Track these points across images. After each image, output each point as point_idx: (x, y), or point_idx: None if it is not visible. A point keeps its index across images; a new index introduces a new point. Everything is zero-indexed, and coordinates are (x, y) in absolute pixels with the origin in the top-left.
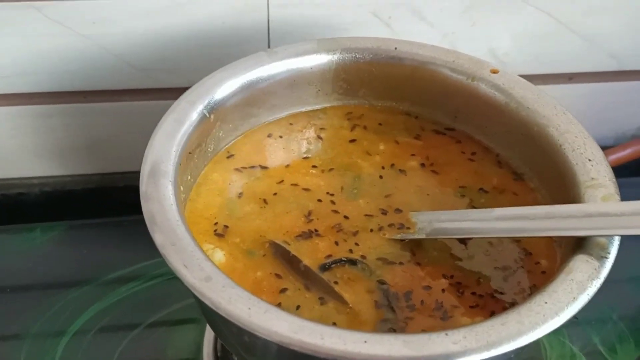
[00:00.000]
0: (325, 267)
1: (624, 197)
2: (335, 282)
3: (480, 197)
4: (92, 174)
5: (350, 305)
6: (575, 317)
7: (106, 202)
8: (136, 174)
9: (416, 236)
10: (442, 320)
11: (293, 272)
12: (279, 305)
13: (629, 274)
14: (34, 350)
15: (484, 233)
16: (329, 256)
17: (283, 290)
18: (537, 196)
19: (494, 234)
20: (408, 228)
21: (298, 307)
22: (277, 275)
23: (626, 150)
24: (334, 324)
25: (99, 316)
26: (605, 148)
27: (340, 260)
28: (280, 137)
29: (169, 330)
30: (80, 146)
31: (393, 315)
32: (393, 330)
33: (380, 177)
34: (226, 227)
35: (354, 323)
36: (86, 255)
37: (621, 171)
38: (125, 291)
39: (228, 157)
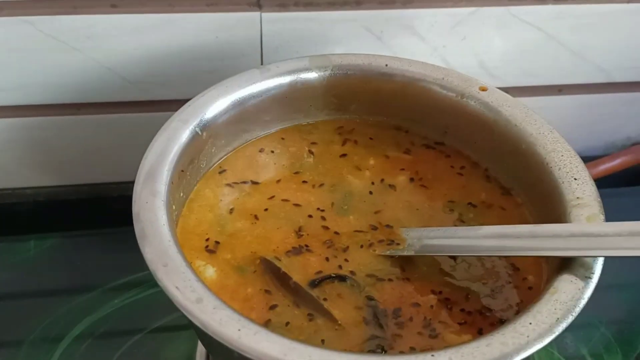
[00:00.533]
0: (314, 284)
1: (614, 207)
2: (325, 299)
3: (468, 211)
4: (85, 184)
5: (339, 322)
6: None
7: (100, 212)
8: (129, 184)
9: (405, 253)
10: (430, 338)
11: (283, 289)
12: (268, 322)
13: (616, 282)
14: (29, 357)
15: (471, 251)
16: (319, 272)
17: (273, 307)
18: (525, 212)
19: (480, 252)
20: (398, 244)
21: (287, 323)
22: (267, 292)
23: (615, 160)
24: (323, 341)
25: (93, 326)
26: (595, 158)
27: (330, 277)
28: (272, 152)
29: (162, 341)
30: (73, 157)
31: (381, 332)
32: (381, 347)
33: (370, 192)
34: (217, 243)
35: (343, 340)
36: (80, 265)
37: (610, 181)
38: (119, 302)
39: (220, 173)
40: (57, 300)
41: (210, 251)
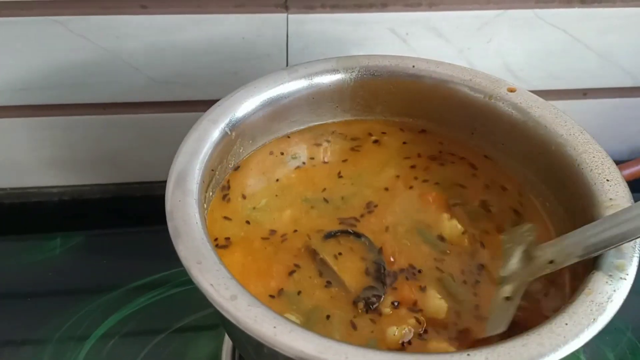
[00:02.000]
0: (331, 235)
1: None
2: (340, 253)
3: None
4: (110, 184)
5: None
6: None
7: (124, 211)
8: (153, 184)
9: (570, 262)
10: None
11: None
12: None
13: None
14: (56, 355)
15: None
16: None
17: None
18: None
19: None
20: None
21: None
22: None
23: None
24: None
25: (119, 325)
26: (620, 162)
27: (347, 232)
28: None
29: (188, 339)
30: (99, 157)
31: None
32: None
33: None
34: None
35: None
36: (106, 264)
37: (635, 185)
38: (144, 300)
39: None
40: (83, 298)
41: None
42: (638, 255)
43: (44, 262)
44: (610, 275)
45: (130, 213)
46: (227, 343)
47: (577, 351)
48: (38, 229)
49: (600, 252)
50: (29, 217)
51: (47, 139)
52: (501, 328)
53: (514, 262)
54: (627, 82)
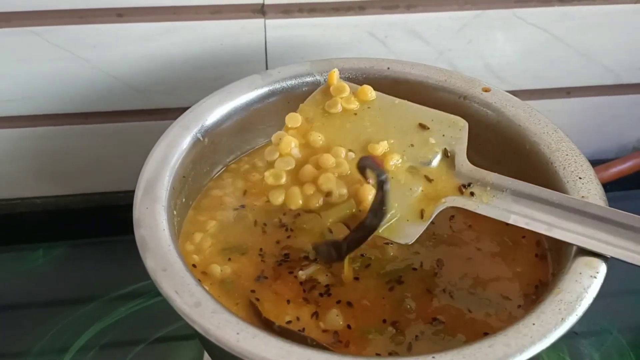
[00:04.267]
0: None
1: (625, 209)
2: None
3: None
4: (94, 193)
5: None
6: (574, 332)
7: (107, 221)
8: None
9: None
10: None
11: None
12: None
13: (629, 288)
14: None
15: None
16: None
17: None
18: None
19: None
20: None
21: None
22: None
23: (627, 162)
24: None
25: (101, 334)
26: (606, 161)
27: None
28: None
29: (169, 348)
30: (81, 166)
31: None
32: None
33: None
34: None
35: None
36: (88, 274)
37: (622, 184)
38: (125, 310)
39: None
40: (64, 308)
41: None
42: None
43: (26, 273)
44: (580, 274)
45: (113, 222)
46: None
47: (562, 352)
48: (22, 240)
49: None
50: (13, 228)
51: (30, 150)
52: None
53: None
54: (610, 80)
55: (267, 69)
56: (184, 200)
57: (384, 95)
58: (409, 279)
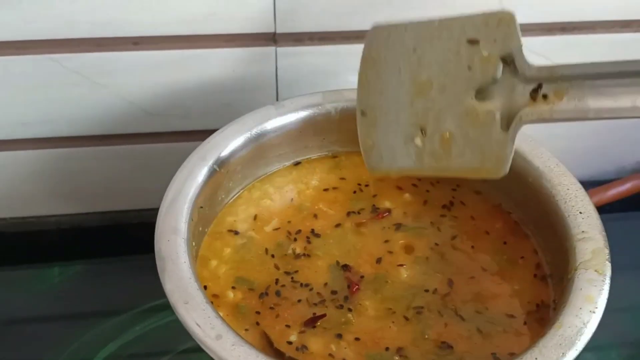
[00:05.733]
0: None
1: (624, 230)
2: None
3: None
4: (108, 212)
5: None
6: None
7: (121, 239)
8: (149, 211)
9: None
10: None
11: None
12: None
13: (631, 304)
14: None
15: None
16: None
17: None
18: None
19: None
20: None
21: None
22: None
23: (626, 184)
24: None
25: (117, 352)
26: (606, 182)
27: None
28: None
29: None
30: (96, 186)
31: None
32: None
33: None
34: None
35: None
36: (104, 292)
37: (621, 205)
38: (141, 328)
39: None
40: (81, 325)
41: None
42: (607, 288)
43: (43, 291)
44: (581, 309)
45: (127, 240)
46: None
47: None
48: (37, 259)
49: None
50: (28, 247)
51: (47, 171)
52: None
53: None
54: None
55: (277, 95)
56: (200, 229)
57: (422, 22)
58: (423, 302)
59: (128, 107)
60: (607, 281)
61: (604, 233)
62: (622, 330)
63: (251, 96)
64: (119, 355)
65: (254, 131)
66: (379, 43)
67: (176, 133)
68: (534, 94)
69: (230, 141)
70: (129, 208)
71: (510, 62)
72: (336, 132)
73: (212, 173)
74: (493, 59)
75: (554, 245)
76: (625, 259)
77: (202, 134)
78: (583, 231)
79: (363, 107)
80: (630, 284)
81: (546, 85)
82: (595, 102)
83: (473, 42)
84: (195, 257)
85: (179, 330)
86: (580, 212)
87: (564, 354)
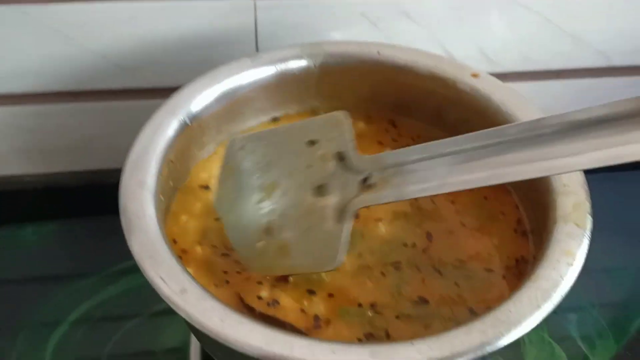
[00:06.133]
0: None
1: (611, 190)
2: None
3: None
4: (83, 171)
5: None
6: (554, 311)
7: (97, 199)
8: None
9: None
10: None
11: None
12: None
13: (609, 265)
14: (29, 340)
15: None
16: None
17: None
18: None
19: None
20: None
21: None
22: None
23: None
24: None
25: (90, 312)
26: None
27: None
28: None
29: (158, 326)
30: (71, 145)
31: None
32: None
33: None
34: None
35: None
36: (78, 252)
37: (605, 167)
38: (115, 288)
39: None
40: (54, 286)
41: None
42: (587, 241)
43: (17, 251)
44: (558, 261)
45: (103, 200)
46: None
47: (541, 330)
48: (11, 219)
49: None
50: (2, 206)
51: (18, 128)
52: (340, 261)
53: (330, 167)
54: (601, 63)
55: (257, 50)
56: (171, 183)
57: (273, 129)
58: (401, 257)
59: (100, 62)
60: (587, 234)
61: (586, 187)
62: (602, 291)
63: (229, 51)
64: (90, 317)
65: (228, 84)
66: (235, 154)
67: (151, 90)
68: (362, 184)
69: (200, 94)
70: (104, 168)
71: (344, 158)
72: (315, 87)
73: (182, 127)
74: (328, 155)
75: (535, 200)
76: (607, 220)
77: None
78: (564, 185)
79: (222, 214)
80: (611, 245)
81: (375, 174)
82: (413, 186)
83: (313, 142)
84: (166, 212)
85: (146, 292)
86: None
87: (538, 307)
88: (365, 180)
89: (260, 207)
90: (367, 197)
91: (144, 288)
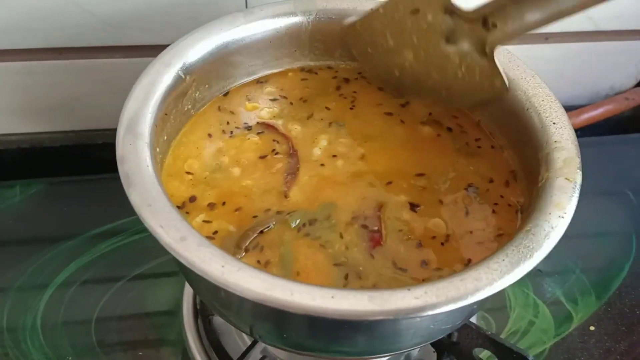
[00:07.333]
0: None
1: (596, 155)
2: None
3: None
4: (70, 131)
5: None
6: (539, 270)
7: (84, 159)
8: (113, 131)
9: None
10: None
11: None
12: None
13: (592, 229)
14: (17, 302)
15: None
16: None
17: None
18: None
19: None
20: None
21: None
22: None
23: (598, 109)
24: None
25: (81, 271)
26: (579, 107)
27: None
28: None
29: (149, 285)
30: (57, 103)
31: None
32: None
33: None
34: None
35: None
36: (65, 212)
37: (595, 129)
38: (105, 247)
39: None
40: (43, 246)
41: None
42: (577, 194)
43: (3, 211)
44: (550, 214)
45: (90, 160)
46: (188, 288)
47: (526, 288)
48: None
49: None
50: None
51: (3, 86)
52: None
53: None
54: (588, 27)
55: (246, 6)
56: (165, 138)
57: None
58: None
59: (88, 18)
60: (577, 188)
61: (576, 143)
62: (586, 255)
63: (218, 8)
64: (74, 281)
65: (221, 38)
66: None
67: (138, 47)
68: (485, 26)
69: (195, 47)
70: (92, 128)
71: (453, 11)
72: (308, 43)
73: (177, 80)
74: (438, 15)
75: (528, 158)
76: (595, 185)
77: None
78: (556, 141)
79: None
80: (597, 210)
81: (490, 16)
82: (533, 15)
83: (416, 11)
84: (161, 168)
85: (136, 252)
86: (554, 123)
87: (530, 256)
88: (484, 23)
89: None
90: (499, 34)
91: (134, 248)
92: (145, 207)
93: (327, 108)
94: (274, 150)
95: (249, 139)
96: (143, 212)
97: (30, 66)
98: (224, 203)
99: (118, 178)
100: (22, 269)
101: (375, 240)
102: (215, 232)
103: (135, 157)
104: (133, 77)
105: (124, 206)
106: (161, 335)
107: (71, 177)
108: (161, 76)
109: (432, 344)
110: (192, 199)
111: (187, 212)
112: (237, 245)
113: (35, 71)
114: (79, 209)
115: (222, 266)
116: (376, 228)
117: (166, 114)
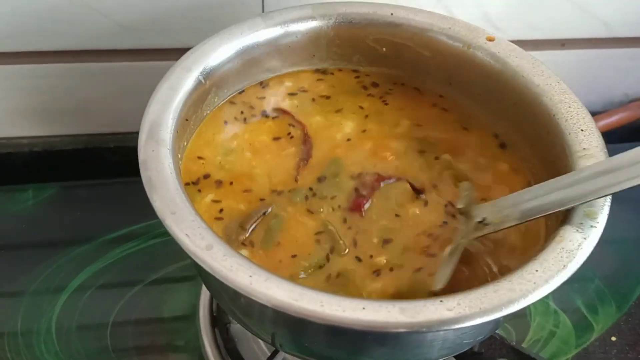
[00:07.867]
0: None
1: None
2: None
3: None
4: (82, 135)
5: None
6: None
7: (96, 163)
8: (126, 135)
9: (507, 225)
10: None
11: None
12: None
13: (610, 237)
14: (32, 307)
15: (577, 200)
16: None
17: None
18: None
19: (588, 197)
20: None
21: None
22: None
23: (613, 117)
24: None
25: (94, 277)
26: (593, 114)
27: None
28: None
29: (165, 290)
30: (70, 107)
31: None
32: None
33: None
34: None
35: None
36: (80, 216)
37: (609, 137)
38: (120, 252)
39: None
40: (57, 250)
41: None
42: (609, 204)
43: (17, 214)
44: (581, 224)
45: (103, 164)
46: (205, 294)
47: (546, 297)
48: (9, 181)
49: (537, 216)
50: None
51: (16, 88)
52: (439, 285)
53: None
54: (604, 33)
55: (263, 10)
56: (185, 144)
57: None
58: None
59: (102, 21)
60: (609, 197)
61: (605, 150)
62: (604, 263)
63: (235, 11)
64: (90, 285)
65: (241, 42)
66: None
67: (153, 51)
68: (478, 224)
69: (215, 52)
70: (104, 131)
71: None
72: (326, 48)
73: (197, 85)
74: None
75: (550, 166)
76: None
77: (181, 53)
78: (584, 148)
79: None
80: (615, 218)
81: (489, 217)
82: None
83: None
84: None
85: (151, 258)
86: (582, 130)
87: (564, 267)
88: (480, 221)
89: None
90: (483, 230)
91: (149, 253)
92: (169, 215)
93: (360, 107)
94: (289, 133)
95: (264, 123)
96: (167, 220)
97: (44, 69)
98: (231, 182)
99: (131, 182)
100: (37, 274)
101: (357, 204)
102: (222, 210)
103: (158, 163)
104: (148, 80)
105: (138, 210)
106: (177, 341)
107: (84, 181)
108: (182, 81)
109: (455, 355)
110: (206, 176)
111: (199, 190)
112: (240, 226)
113: (49, 74)
114: (92, 213)
115: (250, 276)
116: (364, 194)
117: (187, 120)
